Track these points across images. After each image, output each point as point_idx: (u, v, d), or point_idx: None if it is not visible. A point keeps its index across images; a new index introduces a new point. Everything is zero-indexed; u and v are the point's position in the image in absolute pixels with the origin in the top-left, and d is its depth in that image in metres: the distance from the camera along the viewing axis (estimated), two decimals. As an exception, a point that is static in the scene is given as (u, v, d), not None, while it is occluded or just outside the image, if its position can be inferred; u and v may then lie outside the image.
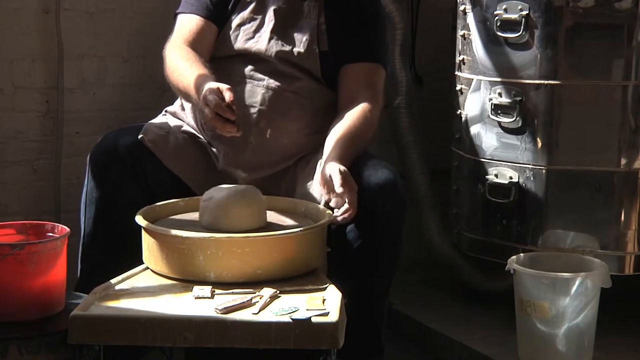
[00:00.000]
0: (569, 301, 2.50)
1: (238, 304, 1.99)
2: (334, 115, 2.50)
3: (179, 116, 2.64)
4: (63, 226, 2.19)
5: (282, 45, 2.55)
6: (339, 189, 2.21)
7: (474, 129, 2.94)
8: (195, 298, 2.04)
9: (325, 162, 2.31)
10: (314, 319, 1.93)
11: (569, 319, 2.51)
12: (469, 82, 2.95)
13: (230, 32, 2.59)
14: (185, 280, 2.12)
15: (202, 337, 1.93)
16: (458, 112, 3.03)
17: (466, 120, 2.98)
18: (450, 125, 3.11)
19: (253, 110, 2.50)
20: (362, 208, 2.24)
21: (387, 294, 2.44)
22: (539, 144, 2.77)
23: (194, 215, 2.33)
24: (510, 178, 2.83)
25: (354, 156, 2.38)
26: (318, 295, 2.06)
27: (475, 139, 2.93)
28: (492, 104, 2.85)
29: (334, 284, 2.13)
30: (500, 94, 2.83)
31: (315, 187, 2.42)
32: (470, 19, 2.92)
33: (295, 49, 2.55)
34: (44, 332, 2.04)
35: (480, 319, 2.96)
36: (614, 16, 2.67)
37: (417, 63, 3.41)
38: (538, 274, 2.54)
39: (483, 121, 2.90)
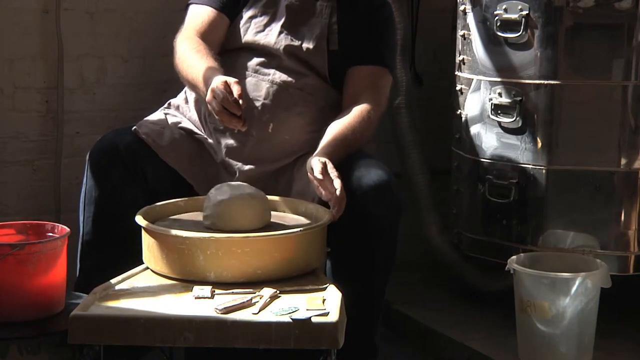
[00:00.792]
0: (569, 301, 2.50)
1: (238, 304, 1.99)
2: (337, 115, 2.50)
3: (182, 110, 2.64)
4: (63, 226, 2.19)
5: (292, 40, 2.55)
6: (318, 175, 2.21)
7: (474, 129, 2.94)
8: (195, 298, 2.04)
9: (312, 156, 2.32)
10: (314, 319, 1.93)
11: (569, 319, 2.51)
12: (469, 82, 2.95)
13: (241, 25, 2.59)
14: (185, 280, 2.12)
15: (202, 337, 1.93)
16: (458, 112, 3.03)
17: (466, 120, 2.98)
18: (450, 125, 3.11)
19: (257, 103, 2.50)
20: (355, 210, 2.24)
21: (383, 295, 2.43)
22: (539, 144, 2.77)
23: (194, 215, 2.33)
24: (510, 178, 2.83)
25: (344, 154, 2.37)
26: (318, 295, 2.05)
27: (475, 139, 2.93)
28: (492, 104, 2.85)
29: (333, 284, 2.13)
30: (500, 94, 2.83)
31: (311, 186, 2.41)
32: (470, 19, 2.92)
33: (305, 45, 2.55)
34: (44, 332, 2.04)
35: (480, 319, 2.95)
36: (614, 16, 2.67)
37: (417, 63, 3.41)
38: (538, 274, 2.53)
39: (483, 121, 2.90)
